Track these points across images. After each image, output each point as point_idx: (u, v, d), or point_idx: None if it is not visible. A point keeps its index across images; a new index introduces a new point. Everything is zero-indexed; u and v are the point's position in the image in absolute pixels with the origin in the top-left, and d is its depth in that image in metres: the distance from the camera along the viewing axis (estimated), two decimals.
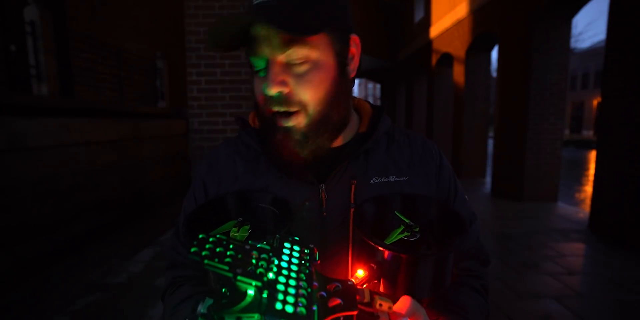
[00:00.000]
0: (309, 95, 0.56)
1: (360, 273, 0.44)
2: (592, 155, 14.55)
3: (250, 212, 0.54)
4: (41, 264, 3.20)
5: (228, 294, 0.37)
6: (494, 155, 6.26)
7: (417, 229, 0.48)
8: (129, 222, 4.60)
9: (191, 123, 3.45)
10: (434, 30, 9.20)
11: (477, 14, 6.91)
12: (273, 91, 0.54)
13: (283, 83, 0.54)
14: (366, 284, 0.43)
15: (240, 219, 0.43)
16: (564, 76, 5.25)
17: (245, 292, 0.36)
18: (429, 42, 9.64)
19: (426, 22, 9.92)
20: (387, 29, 13.01)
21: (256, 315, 0.35)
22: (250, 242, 0.40)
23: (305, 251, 0.43)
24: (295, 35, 0.51)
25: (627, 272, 2.92)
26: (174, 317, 0.61)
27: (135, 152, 5.17)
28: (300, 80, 0.55)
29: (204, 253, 0.36)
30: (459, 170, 7.86)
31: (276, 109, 0.56)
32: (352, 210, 0.59)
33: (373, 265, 0.43)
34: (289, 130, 0.57)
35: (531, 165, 5.35)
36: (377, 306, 0.41)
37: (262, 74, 0.57)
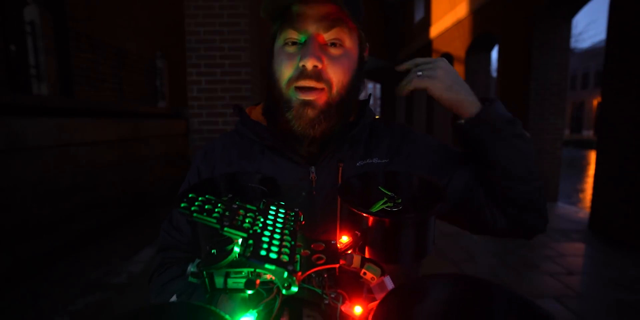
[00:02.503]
0: (337, 77, 0.60)
1: (345, 239, 0.46)
2: (592, 155, 14.54)
3: (240, 191, 0.55)
4: (41, 264, 3.20)
5: (216, 255, 0.38)
6: None
7: (399, 200, 0.51)
8: (129, 222, 4.60)
9: (191, 123, 3.45)
10: (434, 30, 9.20)
11: (477, 14, 6.91)
12: (310, 64, 0.56)
13: (320, 59, 0.57)
14: (351, 250, 0.45)
15: (230, 195, 0.45)
16: (564, 76, 5.25)
17: (229, 251, 0.38)
18: (429, 42, 9.64)
19: (426, 22, 9.92)
20: (387, 29, 13.01)
21: (244, 271, 0.37)
22: (237, 202, 0.42)
23: (290, 214, 0.45)
24: (354, 14, 0.57)
25: (627, 272, 2.92)
26: (161, 295, 0.61)
27: (135, 152, 5.16)
28: (333, 62, 0.59)
29: (193, 208, 0.38)
30: None
31: (305, 83, 0.58)
32: None
33: (357, 232, 0.45)
34: (308, 103, 0.59)
35: None
36: (362, 274, 0.42)
37: (291, 49, 0.60)
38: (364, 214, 0.44)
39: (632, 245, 3.40)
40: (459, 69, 7.79)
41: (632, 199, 3.47)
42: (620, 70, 3.64)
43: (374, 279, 0.42)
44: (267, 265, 0.34)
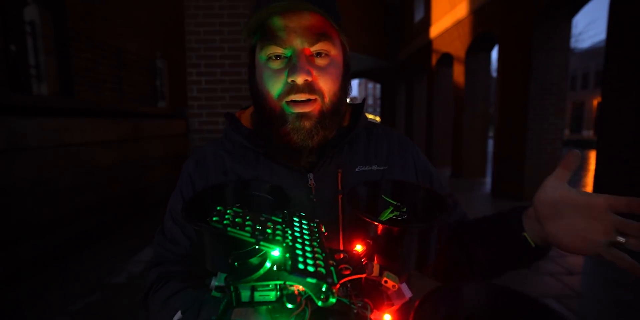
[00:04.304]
0: (327, 86, 0.60)
1: (359, 248, 0.46)
2: (592, 155, 14.54)
3: (247, 200, 0.54)
4: (41, 264, 3.20)
5: (240, 267, 0.38)
6: (494, 155, 6.26)
7: (405, 209, 0.53)
8: (129, 222, 4.60)
9: (191, 123, 3.45)
10: (434, 30, 9.20)
11: (477, 14, 6.91)
12: (301, 79, 0.56)
13: (309, 72, 0.57)
14: (364, 259, 0.46)
15: (238, 204, 0.44)
16: (564, 76, 5.25)
17: (258, 265, 0.37)
18: (429, 42, 9.63)
19: (426, 22, 9.92)
20: (387, 29, 13.00)
21: (271, 284, 0.37)
22: (264, 214, 0.42)
23: (312, 224, 0.45)
24: (335, 20, 0.57)
25: (627, 272, 2.91)
26: (163, 312, 0.58)
27: (135, 152, 5.16)
28: (322, 72, 0.59)
29: (225, 222, 0.37)
30: (459, 170, 7.85)
31: (297, 97, 0.58)
32: (340, 196, 0.63)
33: (369, 240, 0.46)
34: (304, 115, 0.59)
35: (531, 165, 5.35)
36: (383, 282, 0.43)
37: (276, 65, 0.59)
38: (375, 222, 0.45)
39: None
40: (459, 69, 7.79)
41: None
42: (620, 70, 3.64)
43: (395, 287, 0.43)
44: (308, 279, 0.34)
